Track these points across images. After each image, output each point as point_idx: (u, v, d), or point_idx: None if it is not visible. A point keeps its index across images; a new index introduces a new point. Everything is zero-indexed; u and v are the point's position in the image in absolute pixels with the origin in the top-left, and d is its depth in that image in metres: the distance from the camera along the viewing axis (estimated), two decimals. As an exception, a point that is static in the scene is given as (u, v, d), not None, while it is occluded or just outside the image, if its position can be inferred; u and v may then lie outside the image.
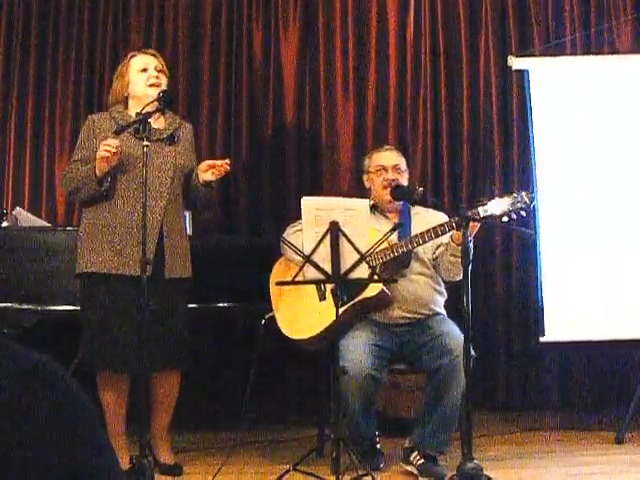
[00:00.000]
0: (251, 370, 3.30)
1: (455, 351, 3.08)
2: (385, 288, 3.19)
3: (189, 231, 3.75)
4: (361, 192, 3.64)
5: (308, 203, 2.90)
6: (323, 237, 2.82)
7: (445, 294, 3.46)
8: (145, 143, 2.96)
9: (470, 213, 3.04)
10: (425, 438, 3.17)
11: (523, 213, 3.07)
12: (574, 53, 4.53)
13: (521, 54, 4.39)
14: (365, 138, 4.63)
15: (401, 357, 3.35)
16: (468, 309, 2.88)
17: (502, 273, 4.57)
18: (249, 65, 4.66)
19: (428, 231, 3.17)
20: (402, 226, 3.25)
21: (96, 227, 3.15)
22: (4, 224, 3.83)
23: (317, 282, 3.02)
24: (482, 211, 3.05)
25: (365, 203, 2.99)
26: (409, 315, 3.34)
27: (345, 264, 2.83)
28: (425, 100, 4.63)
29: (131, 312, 3.02)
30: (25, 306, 3.44)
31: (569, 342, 4.17)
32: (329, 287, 3.02)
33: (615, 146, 4.10)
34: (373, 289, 3.16)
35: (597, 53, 4.48)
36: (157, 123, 3.24)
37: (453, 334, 3.21)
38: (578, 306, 4.06)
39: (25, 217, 3.94)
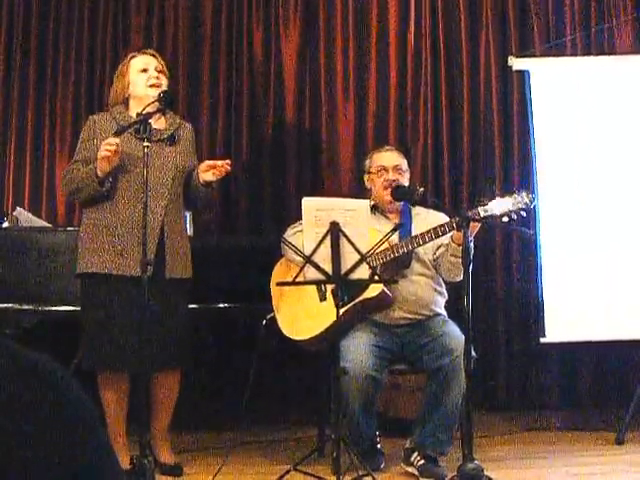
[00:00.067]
0: (251, 370, 3.29)
1: (456, 351, 3.08)
2: (386, 289, 3.18)
3: (189, 231, 3.75)
4: (361, 192, 3.64)
5: (308, 203, 2.90)
6: (324, 238, 2.82)
7: (446, 295, 3.46)
8: (146, 144, 2.96)
9: (470, 213, 3.04)
10: (426, 438, 3.17)
11: (523, 213, 3.07)
12: (574, 53, 4.53)
13: (521, 54, 4.39)
14: (365, 138, 4.63)
15: (402, 358, 3.35)
16: (468, 309, 2.88)
17: (502, 273, 4.57)
18: (249, 65, 4.66)
19: (428, 231, 3.17)
20: (403, 226, 3.25)
21: (97, 227, 3.15)
22: (5, 224, 3.83)
23: (318, 283, 3.02)
24: (482, 211, 3.05)
25: (365, 203, 2.98)
26: (410, 316, 3.34)
27: (345, 265, 2.83)
28: (425, 100, 4.63)
29: (131, 312, 3.02)
30: (25, 306, 3.44)
31: (569, 342, 4.17)
32: (330, 288, 3.02)
33: (615, 146, 4.10)
34: (374, 290, 3.15)
35: (597, 53, 4.48)
36: (158, 123, 3.24)
37: (454, 334, 3.21)
38: (578, 306, 4.06)
39: (25, 217, 3.94)
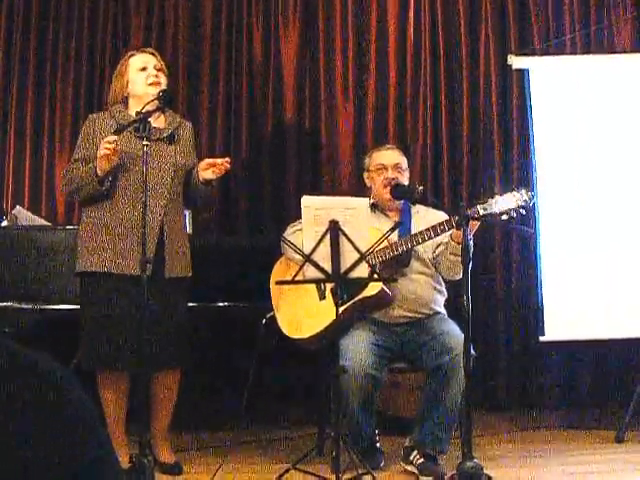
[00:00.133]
0: (250, 370, 3.30)
1: (455, 350, 3.08)
2: (385, 287, 3.18)
3: (189, 230, 3.75)
4: (361, 191, 3.64)
5: (308, 202, 2.90)
6: (323, 236, 2.82)
7: (445, 293, 3.46)
8: (145, 142, 2.96)
9: (470, 211, 3.04)
10: (425, 437, 3.17)
11: (523, 211, 3.06)
12: (574, 52, 4.53)
13: (521, 53, 4.39)
14: (365, 137, 4.63)
15: (401, 356, 3.35)
16: (468, 308, 2.88)
17: (502, 272, 4.57)
18: (249, 64, 4.66)
19: (428, 230, 3.16)
20: (402, 225, 3.25)
21: (96, 226, 3.14)
22: (4, 223, 3.83)
23: (317, 281, 3.02)
24: (482, 209, 3.05)
25: (365, 202, 2.98)
26: (409, 314, 3.34)
27: (345, 263, 2.83)
28: (425, 99, 4.63)
29: (131, 311, 3.02)
30: (25, 305, 3.44)
31: (569, 341, 4.17)
32: (329, 286, 3.02)
33: (615, 145, 4.10)
34: (373, 288, 3.15)
35: (597, 52, 4.48)
36: (157, 122, 3.24)
37: (453, 333, 3.21)
38: (578, 305, 4.06)
39: (25, 216, 3.94)
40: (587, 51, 4.52)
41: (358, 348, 3.16)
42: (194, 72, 4.65)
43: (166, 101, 3.17)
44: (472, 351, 2.96)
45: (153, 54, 3.34)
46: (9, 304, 3.43)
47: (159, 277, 3.09)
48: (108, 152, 3.00)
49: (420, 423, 3.20)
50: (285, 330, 3.27)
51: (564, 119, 4.16)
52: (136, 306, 2.94)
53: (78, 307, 3.24)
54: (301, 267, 2.90)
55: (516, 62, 4.28)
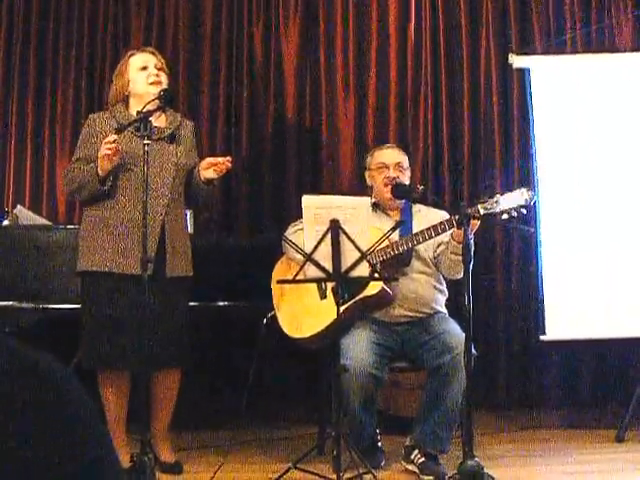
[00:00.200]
0: (251, 369, 3.30)
1: (456, 349, 3.08)
2: (386, 286, 3.18)
3: (190, 229, 3.75)
4: (362, 190, 3.64)
5: (309, 201, 2.90)
6: (324, 235, 2.82)
7: (446, 292, 3.46)
8: (146, 142, 2.95)
9: (470, 211, 3.03)
10: (426, 436, 3.17)
11: (523, 210, 3.06)
12: (575, 51, 4.53)
13: (522, 52, 4.39)
14: (366, 136, 4.63)
15: (402, 355, 3.35)
16: (469, 307, 2.88)
17: (503, 271, 4.57)
18: (249, 64, 4.66)
19: (429, 229, 3.16)
20: (403, 224, 3.24)
21: (97, 226, 3.14)
22: (5, 222, 3.83)
23: (318, 281, 3.02)
24: (482, 209, 3.05)
25: (366, 201, 2.98)
26: (410, 314, 3.34)
27: (346, 262, 2.83)
28: (426, 98, 4.63)
29: (132, 311, 3.01)
30: (25, 304, 3.44)
31: (570, 340, 4.17)
32: (330, 286, 3.02)
33: (616, 144, 4.10)
34: (374, 287, 3.15)
35: (598, 51, 4.48)
36: (158, 121, 3.24)
37: (454, 332, 3.21)
38: (579, 304, 4.06)
39: (26, 215, 3.94)
40: (588, 50, 4.51)
41: (359, 347, 3.16)
42: (194, 72, 4.65)
43: (167, 100, 3.16)
44: (473, 350, 2.97)
45: (153, 53, 3.34)
46: (10, 303, 3.43)
47: (160, 276, 3.09)
48: (109, 152, 3.00)
49: (421, 422, 3.20)
50: (286, 329, 3.27)
51: (565, 118, 4.15)
52: (137, 306, 2.94)
53: (79, 306, 3.24)
54: (302, 266, 2.90)
55: (517, 61, 4.28)
